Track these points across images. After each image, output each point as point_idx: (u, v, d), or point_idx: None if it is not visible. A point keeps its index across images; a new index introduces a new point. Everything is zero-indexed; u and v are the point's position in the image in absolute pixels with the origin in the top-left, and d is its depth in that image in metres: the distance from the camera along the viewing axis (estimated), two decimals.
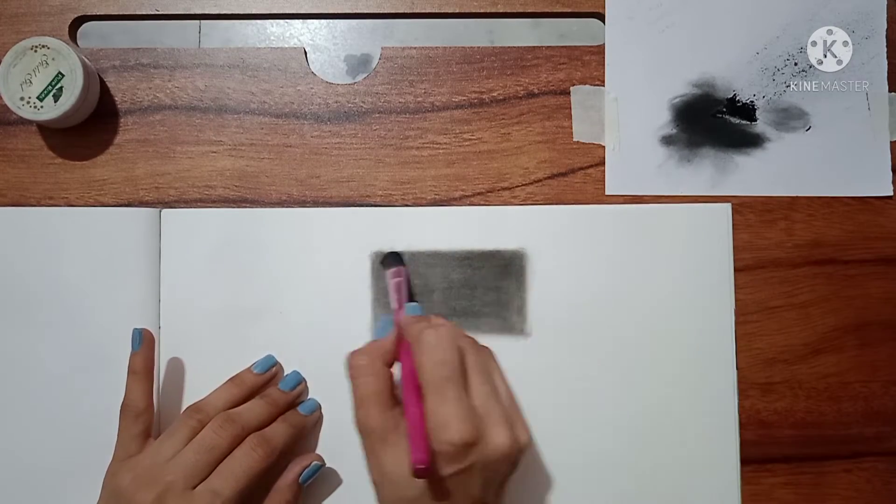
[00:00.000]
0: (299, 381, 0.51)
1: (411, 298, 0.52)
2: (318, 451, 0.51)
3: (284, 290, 0.52)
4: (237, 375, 0.51)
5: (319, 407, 0.52)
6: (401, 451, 0.43)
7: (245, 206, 0.53)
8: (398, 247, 0.52)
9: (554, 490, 0.52)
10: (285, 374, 0.52)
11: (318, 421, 0.52)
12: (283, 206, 0.53)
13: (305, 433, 0.51)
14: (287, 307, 0.52)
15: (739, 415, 0.52)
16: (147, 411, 0.48)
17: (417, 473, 0.40)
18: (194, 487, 0.45)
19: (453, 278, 0.52)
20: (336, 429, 0.51)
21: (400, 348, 0.47)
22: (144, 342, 0.50)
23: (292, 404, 0.51)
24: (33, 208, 0.52)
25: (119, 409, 0.48)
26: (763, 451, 0.53)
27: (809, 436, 0.53)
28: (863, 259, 0.54)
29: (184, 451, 0.46)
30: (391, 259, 0.52)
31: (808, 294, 0.54)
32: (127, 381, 0.49)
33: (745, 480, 0.52)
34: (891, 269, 0.54)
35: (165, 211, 0.52)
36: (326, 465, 0.51)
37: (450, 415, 0.41)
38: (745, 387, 0.53)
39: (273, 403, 0.50)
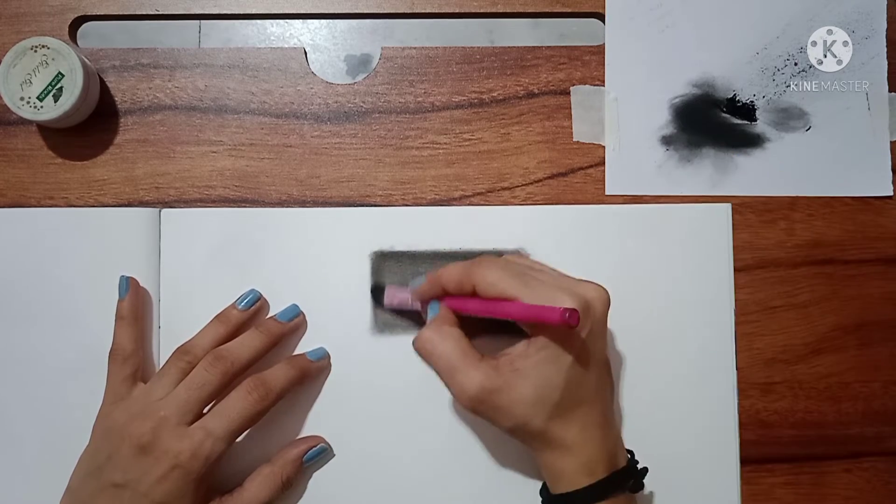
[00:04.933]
0: (297, 314, 0.51)
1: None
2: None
3: (284, 290, 0.52)
4: (222, 313, 0.50)
5: (328, 357, 0.51)
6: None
7: (245, 206, 0.53)
8: (398, 247, 0.52)
9: None
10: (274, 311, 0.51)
11: (326, 372, 0.51)
12: (283, 206, 0.53)
13: (309, 381, 0.50)
14: None
15: (739, 415, 0.52)
16: (135, 354, 0.48)
17: (571, 320, 0.40)
18: (189, 424, 0.45)
19: None
20: (335, 428, 0.51)
21: (455, 303, 0.47)
22: (131, 289, 0.50)
23: (292, 341, 0.51)
24: (33, 208, 0.52)
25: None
26: (763, 451, 0.53)
27: (809, 436, 0.53)
28: (863, 259, 0.54)
29: (176, 390, 0.46)
30: (378, 292, 0.52)
31: (808, 294, 0.54)
32: (114, 328, 0.49)
33: (745, 480, 0.52)
34: (891, 269, 0.54)
35: (165, 211, 0.52)
36: (324, 465, 0.51)
37: (550, 293, 0.43)
38: (745, 387, 0.53)
39: (267, 333, 0.49)
